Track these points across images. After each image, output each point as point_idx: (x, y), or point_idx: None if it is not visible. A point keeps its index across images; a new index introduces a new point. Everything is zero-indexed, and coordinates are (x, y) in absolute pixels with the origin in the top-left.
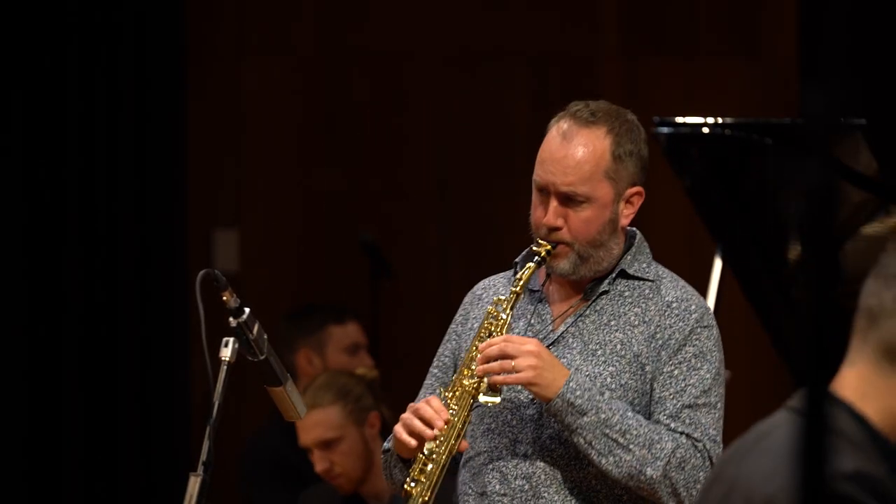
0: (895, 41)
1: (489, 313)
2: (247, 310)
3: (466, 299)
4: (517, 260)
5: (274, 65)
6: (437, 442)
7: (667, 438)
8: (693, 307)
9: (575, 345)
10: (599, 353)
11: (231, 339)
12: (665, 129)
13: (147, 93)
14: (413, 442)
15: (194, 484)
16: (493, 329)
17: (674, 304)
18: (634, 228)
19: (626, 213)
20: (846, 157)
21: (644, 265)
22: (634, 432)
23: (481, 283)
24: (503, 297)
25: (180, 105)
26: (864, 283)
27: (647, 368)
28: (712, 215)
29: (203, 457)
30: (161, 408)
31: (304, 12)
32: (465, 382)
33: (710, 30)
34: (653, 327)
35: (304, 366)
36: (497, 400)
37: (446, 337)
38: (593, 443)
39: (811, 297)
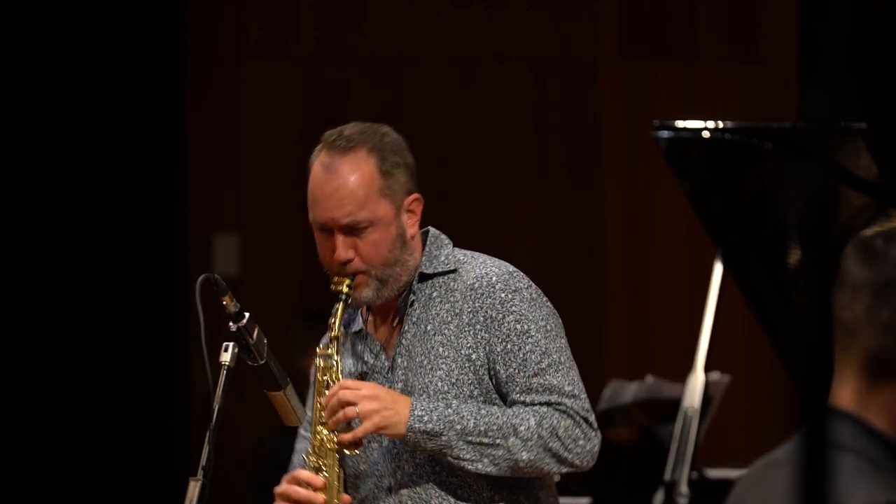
0: (895, 43)
1: (318, 366)
2: (247, 314)
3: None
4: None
5: (274, 68)
6: None
7: (528, 416)
8: (493, 279)
9: (405, 364)
10: (425, 362)
11: (231, 344)
12: (665, 134)
13: (147, 96)
14: None
15: (194, 488)
16: (328, 379)
17: (475, 285)
18: (428, 227)
19: (411, 223)
20: (846, 160)
21: (442, 259)
22: (495, 427)
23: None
24: (324, 345)
25: (180, 108)
26: (835, 295)
27: (474, 357)
28: (712, 219)
29: (203, 461)
30: (161, 412)
31: (304, 15)
32: (324, 439)
33: (710, 34)
34: (465, 316)
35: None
36: (357, 448)
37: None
38: (462, 455)
39: (811, 301)
